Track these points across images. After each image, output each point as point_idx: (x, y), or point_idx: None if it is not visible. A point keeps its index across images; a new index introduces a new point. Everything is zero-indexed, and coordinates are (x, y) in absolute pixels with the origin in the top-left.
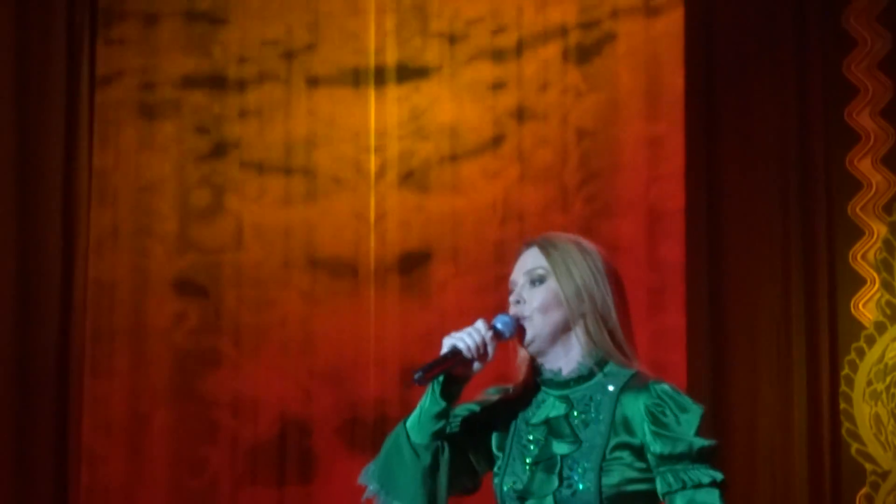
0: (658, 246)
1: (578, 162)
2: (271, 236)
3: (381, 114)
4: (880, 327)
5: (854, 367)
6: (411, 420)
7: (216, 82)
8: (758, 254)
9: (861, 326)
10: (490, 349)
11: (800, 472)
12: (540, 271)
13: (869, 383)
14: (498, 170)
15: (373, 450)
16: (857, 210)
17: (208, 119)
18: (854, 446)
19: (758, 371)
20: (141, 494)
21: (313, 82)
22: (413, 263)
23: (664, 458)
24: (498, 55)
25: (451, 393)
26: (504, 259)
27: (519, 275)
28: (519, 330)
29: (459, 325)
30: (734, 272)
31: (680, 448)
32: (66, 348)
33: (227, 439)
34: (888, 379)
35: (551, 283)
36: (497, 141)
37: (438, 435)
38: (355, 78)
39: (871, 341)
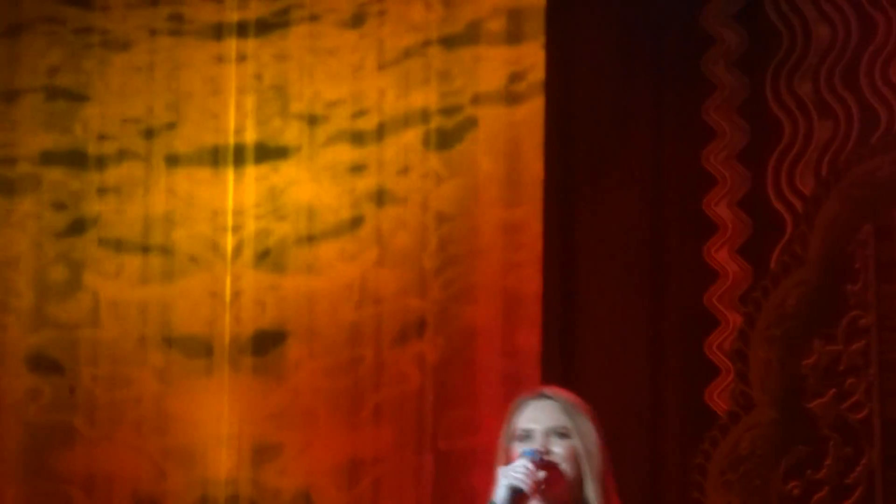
0: (514, 332)
1: (437, 246)
2: (127, 314)
3: (238, 193)
4: (734, 417)
5: (708, 458)
6: None
7: (76, 159)
8: (613, 341)
9: (715, 416)
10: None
11: None
12: (562, 430)
13: (722, 473)
14: (356, 252)
15: None
16: (714, 300)
17: (67, 195)
18: None
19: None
20: None
21: (173, 161)
22: (268, 343)
23: None
24: (358, 138)
25: None
26: (360, 341)
27: (536, 426)
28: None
29: (313, 405)
30: (589, 360)
31: None
32: None
33: None
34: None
35: (574, 441)
36: (356, 223)
37: None
38: (214, 157)
39: (725, 431)
